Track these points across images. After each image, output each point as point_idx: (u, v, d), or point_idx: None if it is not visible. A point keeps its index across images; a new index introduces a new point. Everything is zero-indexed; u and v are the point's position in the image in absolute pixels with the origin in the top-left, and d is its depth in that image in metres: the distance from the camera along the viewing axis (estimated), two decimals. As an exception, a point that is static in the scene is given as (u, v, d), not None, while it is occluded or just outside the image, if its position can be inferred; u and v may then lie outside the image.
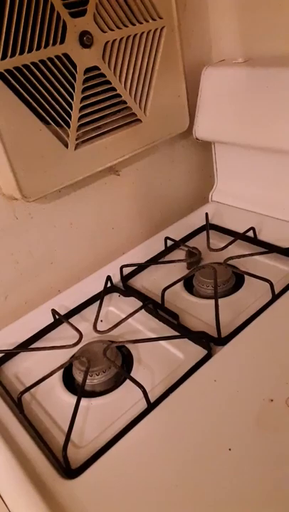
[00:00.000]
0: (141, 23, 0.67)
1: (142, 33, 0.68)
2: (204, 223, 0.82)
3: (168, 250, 0.79)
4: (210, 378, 0.51)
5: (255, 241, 0.75)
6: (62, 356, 0.59)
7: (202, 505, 0.40)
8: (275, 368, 0.51)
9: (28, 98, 0.59)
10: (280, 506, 0.39)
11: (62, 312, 0.67)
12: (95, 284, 0.71)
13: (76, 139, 0.66)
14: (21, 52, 0.56)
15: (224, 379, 0.51)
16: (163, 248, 0.79)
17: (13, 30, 0.54)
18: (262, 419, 0.46)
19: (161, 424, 0.48)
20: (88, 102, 0.65)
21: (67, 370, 0.58)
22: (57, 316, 0.66)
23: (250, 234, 0.76)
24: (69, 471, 0.44)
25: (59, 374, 0.57)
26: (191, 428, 0.46)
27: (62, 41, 0.59)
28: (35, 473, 0.44)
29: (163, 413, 0.49)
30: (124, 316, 0.62)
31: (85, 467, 0.44)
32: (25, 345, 0.63)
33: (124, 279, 0.72)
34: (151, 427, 0.48)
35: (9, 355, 0.62)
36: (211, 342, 0.56)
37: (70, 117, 0.64)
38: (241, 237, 0.76)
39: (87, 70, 0.63)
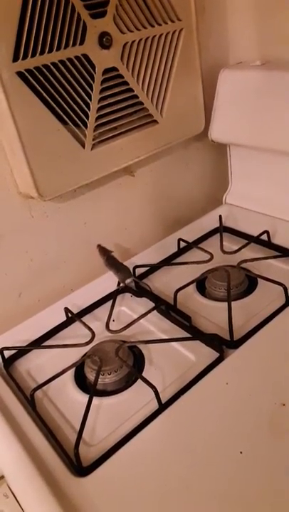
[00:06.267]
0: (160, 25, 0.68)
1: (161, 34, 0.68)
2: (218, 225, 0.82)
3: (181, 252, 0.79)
4: (222, 381, 0.51)
5: (268, 244, 0.75)
6: (75, 354, 0.60)
7: (212, 507, 0.40)
8: (287, 373, 0.51)
9: (47, 98, 0.59)
10: (292, 511, 0.39)
11: (75, 311, 0.67)
12: (107, 284, 0.71)
13: (93, 139, 0.66)
14: (42, 53, 0.57)
15: (236, 382, 0.51)
16: (176, 249, 0.79)
17: (34, 30, 0.55)
18: (274, 423, 0.45)
19: (172, 425, 0.48)
20: (106, 103, 0.66)
21: (78, 369, 0.58)
22: (70, 315, 0.67)
23: (264, 237, 0.76)
24: (80, 468, 0.45)
25: (71, 372, 0.57)
26: (202, 430, 0.47)
27: (82, 42, 0.60)
28: (46, 470, 0.45)
29: (174, 414, 0.49)
30: (136, 317, 0.63)
31: (96, 465, 0.45)
32: (38, 343, 0.64)
33: (137, 279, 0.72)
34: (163, 428, 0.48)
35: (22, 352, 0.63)
36: (223, 345, 0.56)
37: (87, 118, 0.64)
38: (255, 240, 0.75)
39: (106, 71, 0.64)
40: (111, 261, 0.70)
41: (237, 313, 0.60)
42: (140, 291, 0.70)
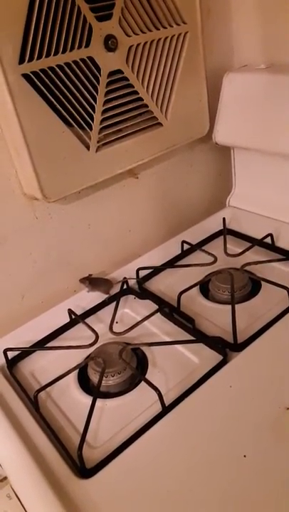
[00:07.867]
0: (165, 28, 0.68)
1: (166, 37, 0.68)
2: (221, 228, 0.82)
3: (184, 254, 0.79)
4: (225, 384, 0.51)
5: (272, 247, 0.75)
6: (78, 356, 0.60)
7: (216, 511, 0.40)
8: (291, 376, 0.51)
9: (53, 100, 0.59)
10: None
11: (79, 312, 0.67)
12: (111, 286, 0.71)
13: (97, 142, 0.66)
14: (47, 55, 0.57)
15: (240, 385, 0.51)
16: (179, 252, 0.79)
17: (40, 33, 0.55)
18: (277, 426, 0.45)
19: (175, 428, 0.48)
20: (111, 105, 0.66)
21: (82, 370, 0.58)
22: (73, 316, 0.67)
23: (268, 240, 0.76)
24: (84, 470, 0.45)
25: (74, 374, 0.57)
26: (205, 433, 0.46)
27: (87, 44, 0.60)
28: (50, 471, 0.45)
29: (178, 417, 0.49)
30: (139, 319, 0.63)
31: (100, 467, 0.45)
32: (42, 344, 0.64)
33: (140, 281, 0.72)
34: (166, 431, 0.48)
35: (26, 353, 0.63)
36: (226, 348, 0.56)
37: (92, 120, 0.64)
38: (259, 243, 0.75)
39: (111, 74, 0.64)
40: (93, 282, 0.70)
41: (240, 316, 0.60)
42: (144, 293, 0.70)
